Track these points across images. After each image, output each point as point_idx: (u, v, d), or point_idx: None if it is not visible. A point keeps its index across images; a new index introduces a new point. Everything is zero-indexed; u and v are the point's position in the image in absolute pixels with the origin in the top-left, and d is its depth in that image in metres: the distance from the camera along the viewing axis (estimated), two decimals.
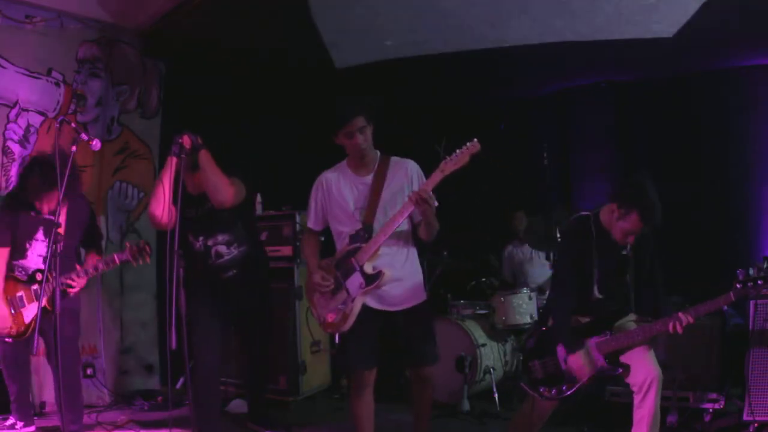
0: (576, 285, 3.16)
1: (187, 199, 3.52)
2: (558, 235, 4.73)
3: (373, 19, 4.85)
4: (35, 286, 3.74)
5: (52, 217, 3.67)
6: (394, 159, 3.22)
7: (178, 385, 5.18)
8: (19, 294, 3.73)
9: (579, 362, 3.05)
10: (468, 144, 2.86)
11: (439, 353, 3.29)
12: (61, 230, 3.21)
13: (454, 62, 5.56)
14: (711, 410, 3.98)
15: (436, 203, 2.93)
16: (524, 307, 4.91)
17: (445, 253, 5.41)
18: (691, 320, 2.86)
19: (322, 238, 3.44)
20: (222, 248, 3.72)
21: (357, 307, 3.07)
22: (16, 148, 4.64)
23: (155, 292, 5.42)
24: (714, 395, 3.98)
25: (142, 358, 5.29)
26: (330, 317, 3.14)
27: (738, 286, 2.81)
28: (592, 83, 6.15)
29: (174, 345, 2.91)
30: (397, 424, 4.08)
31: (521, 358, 3.54)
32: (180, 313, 3.05)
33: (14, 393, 3.92)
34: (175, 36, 5.19)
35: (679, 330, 2.87)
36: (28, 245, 3.79)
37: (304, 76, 5.90)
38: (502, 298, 4.95)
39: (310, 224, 3.32)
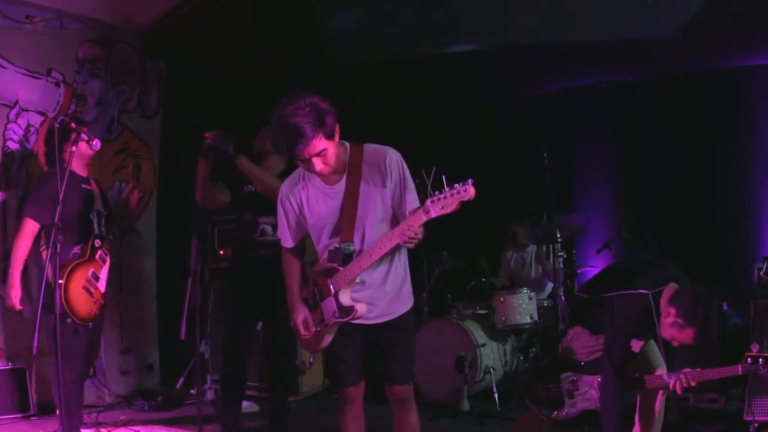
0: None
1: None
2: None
3: (373, 20, 4.86)
4: None
5: None
6: (368, 150, 2.66)
7: (178, 385, 5.19)
8: None
9: None
10: (458, 187, 2.29)
11: (413, 374, 2.86)
12: None
13: (453, 62, 5.56)
14: (711, 410, 3.98)
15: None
16: (524, 307, 4.92)
17: (445, 253, 5.42)
18: (692, 384, 2.87)
19: None
20: (268, 228, 3.86)
21: (332, 333, 2.76)
22: (16, 148, 4.64)
23: (155, 292, 5.43)
24: (714, 395, 3.98)
25: (142, 358, 5.30)
26: (306, 335, 2.83)
27: (749, 360, 2.76)
28: (592, 83, 6.15)
29: (183, 336, 3.06)
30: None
31: (527, 377, 3.60)
32: (194, 305, 3.17)
33: None
34: (175, 36, 5.19)
35: (679, 390, 2.90)
36: None
37: (304, 77, 5.91)
38: (502, 298, 4.95)
39: (284, 243, 2.86)
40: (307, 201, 2.73)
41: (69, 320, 3.63)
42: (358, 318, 2.67)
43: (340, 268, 2.64)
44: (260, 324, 4.09)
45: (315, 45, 5.17)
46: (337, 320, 2.68)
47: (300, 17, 4.79)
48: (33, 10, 4.69)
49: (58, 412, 4.10)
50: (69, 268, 3.66)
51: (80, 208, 3.83)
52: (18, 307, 3.73)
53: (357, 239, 2.64)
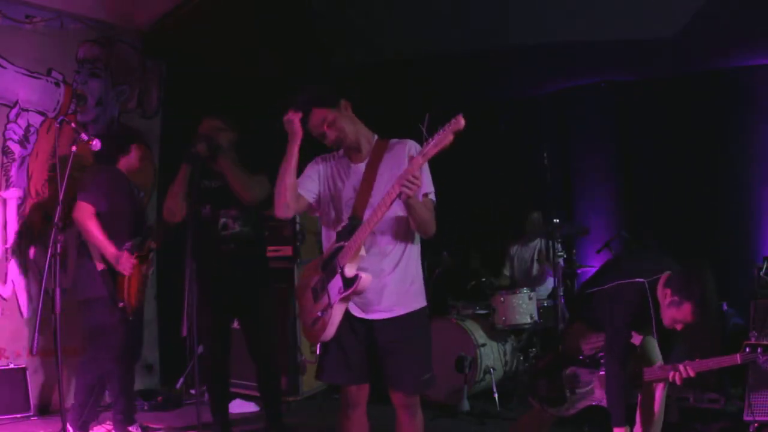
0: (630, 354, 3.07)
1: (209, 172, 3.80)
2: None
3: (373, 20, 4.86)
4: None
5: None
6: (392, 142, 2.79)
7: (178, 385, 5.18)
8: None
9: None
10: (450, 122, 2.36)
11: (428, 380, 2.73)
12: None
13: (453, 62, 5.56)
14: (711, 410, 3.98)
15: (431, 191, 2.68)
16: (524, 307, 4.92)
17: (445, 253, 5.42)
18: (691, 374, 2.89)
19: None
20: (229, 221, 3.84)
21: (337, 316, 2.62)
22: (16, 148, 4.64)
23: (155, 292, 5.42)
24: (714, 395, 3.99)
25: (142, 358, 5.28)
26: (311, 324, 2.73)
27: (747, 349, 2.77)
28: (592, 83, 6.16)
29: (185, 332, 3.12)
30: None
31: (529, 374, 3.61)
32: (192, 303, 3.20)
33: None
34: (175, 36, 5.19)
35: (678, 381, 2.93)
36: None
37: (304, 77, 5.91)
38: (502, 298, 4.95)
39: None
40: (331, 167, 2.82)
41: (121, 304, 3.72)
42: (362, 290, 2.57)
43: (346, 243, 2.61)
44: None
45: (315, 45, 5.17)
46: (343, 295, 2.58)
47: (300, 17, 4.78)
48: (33, 10, 4.69)
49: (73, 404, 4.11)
50: (135, 257, 3.79)
51: (131, 206, 3.98)
52: (130, 267, 3.74)
53: (366, 217, 2.63)
